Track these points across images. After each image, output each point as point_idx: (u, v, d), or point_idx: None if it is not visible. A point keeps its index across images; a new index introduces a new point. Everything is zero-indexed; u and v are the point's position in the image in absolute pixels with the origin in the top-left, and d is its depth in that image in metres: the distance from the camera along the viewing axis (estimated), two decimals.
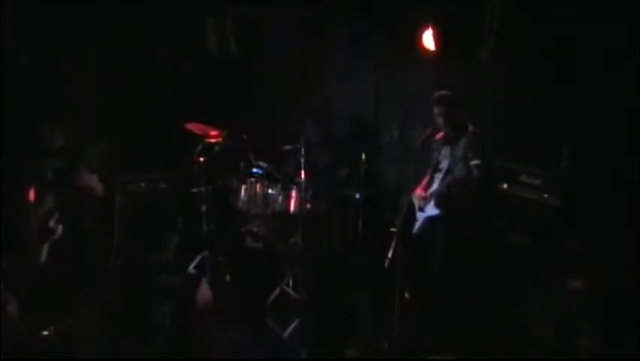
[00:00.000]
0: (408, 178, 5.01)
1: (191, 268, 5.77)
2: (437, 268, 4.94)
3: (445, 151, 4.93)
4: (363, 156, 5.71)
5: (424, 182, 5.09)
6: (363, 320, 4.78)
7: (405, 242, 4.45)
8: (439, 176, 4.95)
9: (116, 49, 6.31)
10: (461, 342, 4.46)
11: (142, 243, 5.96)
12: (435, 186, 4.95)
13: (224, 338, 4.60)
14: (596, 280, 4.55)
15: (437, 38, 5.48)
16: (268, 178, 5.66)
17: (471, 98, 5.62)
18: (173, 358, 4.20)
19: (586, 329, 4.21)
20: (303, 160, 5.38)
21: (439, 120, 4.87)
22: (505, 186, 5.21)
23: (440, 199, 4.85)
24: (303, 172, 5.39)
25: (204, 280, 4.83)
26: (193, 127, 5.62)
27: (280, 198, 5.60)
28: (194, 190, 5.84)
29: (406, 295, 4.99)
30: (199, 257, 5.77)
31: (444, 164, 4.91)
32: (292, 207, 5.58)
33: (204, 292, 4.45)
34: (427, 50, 5.58)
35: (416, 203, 5.05)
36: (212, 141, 5.62)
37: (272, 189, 5.63)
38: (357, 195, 5.79)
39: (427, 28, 5.49)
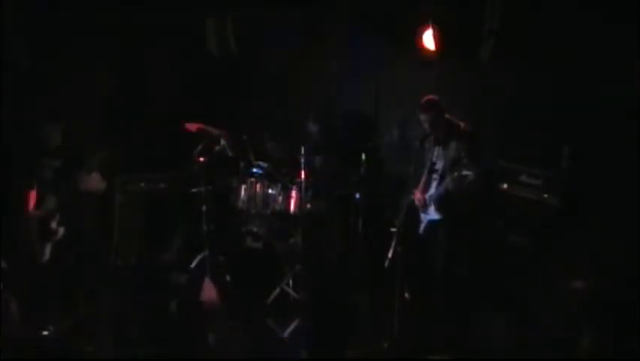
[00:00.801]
0: (408, 178, 5.01)
1: (191, 268, 5.77)
2: (437, 268, 4.94)
3: (439, 152, 4.93)
4: (363, 156, 5.70)
5: (422, 183, 5.09)
6: (363, 320, 4.78)
7: (405, 242, 4.46)
8: (435, 177, 4.95)
9: (116, 49, 6.31)
10: (461, 342, 4.46)
11: (142, 243, 5.96)
12: (432, 189, 4.95)
13: (225, 338, 4.60)
14: (596, 280, 4.55)
15: (437, 38, 5.48)
16: (268, 178, 5.66)
17: (471, 98, 5.63)
18: (173, 358, 4.20)
19: (586, 329, 4.21)
20: (303, 160, 5.39)
21: (426, 126, 4.87)
22: (505, 186, 5.20)
23: (440, 204, 4.85)
24: (303, 172, 5.40)
25: (207, 278, 4.85)
26: (193, 127, 5.63)
27: (280, 198, 5.60)
28: (194, 190, 5.84)
29: (406, 295, 4.99)
30: (199, 257, 5.78)
31: (439, 165, 4.91)
32: (292, 207, 5.58)
33: (209, 289, 4.46)
34: (427, 50, 5.57)
35: (418, 204, 5.05)
36: (212, 140, 5.63)
37: (272, 189, 5.63)
38: (357, 195, 5.79)
39: (427, 28, 5.49)
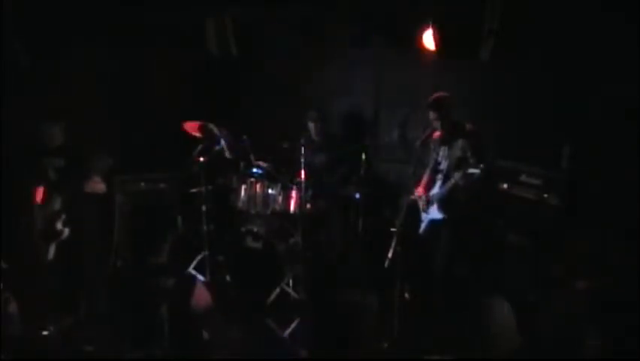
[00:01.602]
0: (408, 178, 5.01)
1: (191, 268, 5.77)
2: (438, 268, 4.95)
3: (444, 151, 4.94)
4: (363, 156, 5.71)
5: (425, 182, 5.10)
6: (363, 320, 4.78)
7: (405, 242, 4.46)
8: (439, 177, 4.95)
9: (116, 49, 6.30)
10: (461, 342, 4.46)
11: (142, 243, 5.96)
12: (436, 188, 4.95)
13: (225, 338, 4.60)
14: (597, 280, 4.55)
15: (437, 38, 5.48)
16: (268, 178, 5.66)
17: (471, 98, 5.62)
18: (173, 358, 4.20)
19: (586, 329, 4.21)
20: (303, 160, 5.39)
21: (436, 124, 4.87)
22: (505, 186, 5.20)
23: (442, 204, 4.85)
24: (303, 172, 5.40)
25: (200, 280, 4.84)
26: (192, 127, 5.63)
27: (280, 198, 5.60)
28: (194, 190, 5.84)
29: (406, 295, 4.99)
30: (199, 257, 5.78)
31: (443, 165, 4.92)
32: (292, 207, 5.58)
33: (202, 292, 4.45)
34: (427, 50, 5.57)
35: (420, 203, 5.05)
36: (212, 140, 5.63)
37: (272, 189, 5.63)
38: (357, 195, 5.79)
39: (427, 28, 5.49)
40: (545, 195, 4.98)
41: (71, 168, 4.65)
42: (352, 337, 2.99)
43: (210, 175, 5.85)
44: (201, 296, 4.36)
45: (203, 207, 5.69)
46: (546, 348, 4.28)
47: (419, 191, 5.03)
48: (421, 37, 5.55)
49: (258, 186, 5.63)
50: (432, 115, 4.84)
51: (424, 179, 5.12)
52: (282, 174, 5.71)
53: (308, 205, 5.57)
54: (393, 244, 4.37)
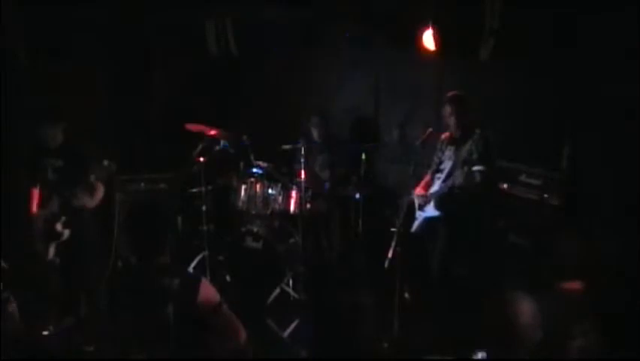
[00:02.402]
0: (408, 178, 5.01)
1: (191, 268, 5.77)
2: (437, 268, 4.94)
3: (449, 152, 4.92)
4: (363, 156, 5.71)
5: (425, 182, 5.10)
6: (363, 320, 4.77)
7: (405, 242, 4.46)
8: (440, 177, 4.94)
9: (116, 49, 6.31)
10: (461, 342, 4.46)
11: (141, 243, 5.94)
12: (435, 187, 4.94)
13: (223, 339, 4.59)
14: (596, 280, 4.54)
15: (437, 38, 5.48)
16: (268, 178, 5.66)
17: (471, 98, 5.62)
18: (174, 358, 4.19)
19: (585, 329, 4.20)
20: (303, 160, 5.39)
21: (450, 120, 4.85)
22: (505, 186, 5.20)
23: (440, 201, 4.85)
24: (303, 172, 5.40)
25: (205, 279, 4.80)
26: (193, 127, 5.63)
27: (280, 198, 5.61)
28: (194, 190, 5.84)
29: (406, 295, 4.99)
30: (199, 257, 5.78)
31: (446, 165, 4.90)
32: (292, 207, 5.58)
33: (208, 290, 4.44)
34: (427, 50, 5.57)
35: (416, 201, 5.05)
36: (212, 140, 5.63)
37: (272, 189, 5.63)
38: (357, 195, 5.79)
39: (427, 28, 5.49)
40: (545, 195, 4.98)
41: (70, 168, 4.64)
42: (352, 337, 2.97)
43: (210, 175, 5.84)
44: (207, 293, 4.35)
45: (203, 207, 5.69)
46: (545, 348, 4.28)
47: (418, 190, 5.02)
48: (421, 37, 5.55)
49: (258, 186, 5.63)
50: (448, 109, 4.82)
51: (424, 179, 5.11)
52: (282, 174, 5.71)
53: (308, 205, 5.57)
54: (393, 244, 4.37)
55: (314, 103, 6.39)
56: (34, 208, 4.68)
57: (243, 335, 3.41)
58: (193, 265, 5.79)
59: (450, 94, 4.86)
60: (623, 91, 4.76)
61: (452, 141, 4.93)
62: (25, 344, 3.89)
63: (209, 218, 5.73)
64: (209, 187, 5.84)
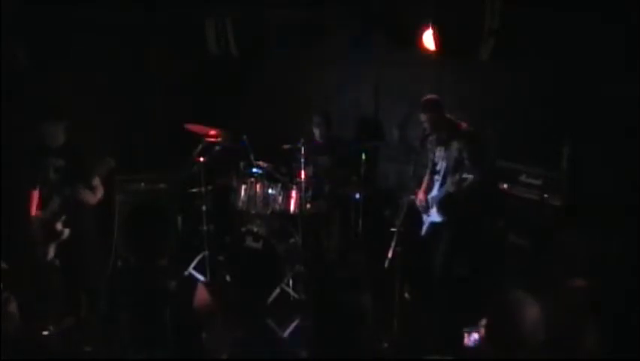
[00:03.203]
0: (408, 178, 5.01)
1: (191, 268, 5.77)
2: (438, 268, 4.94)
3: (440, 152, 4.93)
4: (363, 156, 5.71)
5: (424, 185, 5.09)
6: (363, 320, 4.77)
7: (405, 242, 4.45)
8: (437, 178, 4.95)
9: (115, 48, 6.31)
10: (461, 342, 4.46)
11: (141, 243, 5.95)
12: (435, 191, 4.95)
13: (225, 338, 4.60)
14: (596, 280, 4.54)
15: (437, 38, 5.47)
16: (268, 178, 5.67)
17: (471, 98, 5.62)
18: (174, 358, 4.20)
19: (586, 329, 4.20)
20: (303, 161, 5.39)
21: (427, 127, 4.87)
22: (505, 186, 5.20)
23: (441, 206, 4.86)
24: (303, 172, 5.40)
25: (201, 282, 4.82)
26: (193, 127, 5.63)
27: (280, 198, 5.61)
28: (194, 190, 5.84)
29: (406, 295, 4.99)
30: (199, 257, 5.78)
31: (441, 165, 4.92)
32: (292, 207, 5.59)
33: (202, 293, 4.45)
34: (427, 50, 5.57)
35: (420, 207, 5.06)
36: (212, 140, 5.64)
37: (272, 189, 5.63)
38: (357, 195, 5.79)
39: (427, 28, 5.49)
40: (545, 195, 4.98)
41: (72, 168, 4.64)
42: (352, 337, 2.97)
43: (210, 175, 5.85)
44: (202, 298, 4.36)
45: (203, 207, 5.70)
46: (545, 348, 4.27)
47: (419, 197, 5.02)
48: (421, 37, 5.55)
49: (258, 186, 5.64)
50: (422, 117, 4.85)
51: (424, 182, 5.11)
52: (282, 174, 5.71)
53: (308, 205, 5.57)
54: (393, 244, 4.37)
55: (314, 103, 6.40)
56: (34, 210, 4.68)
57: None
58: (193, 265, 5.79)
59: (422, 100, 4.87)
60: (623, 91, 4.76)
61: (440, 142, 4.93)
62: (25, 344, 3.89)
63: (209, 218, 5.74)
64: (209, 187, 5.85)
